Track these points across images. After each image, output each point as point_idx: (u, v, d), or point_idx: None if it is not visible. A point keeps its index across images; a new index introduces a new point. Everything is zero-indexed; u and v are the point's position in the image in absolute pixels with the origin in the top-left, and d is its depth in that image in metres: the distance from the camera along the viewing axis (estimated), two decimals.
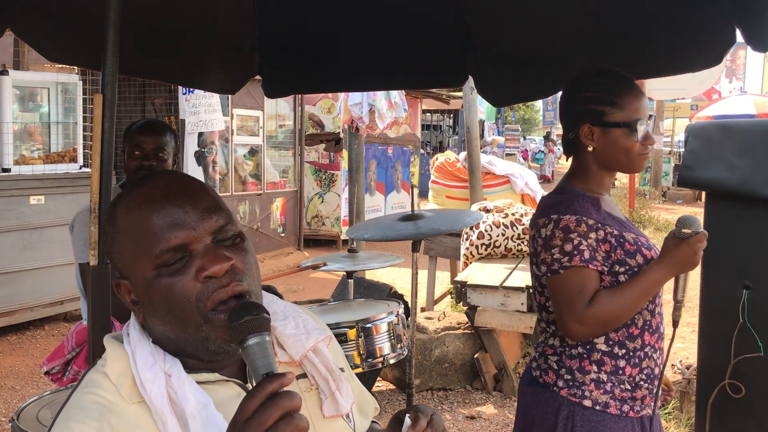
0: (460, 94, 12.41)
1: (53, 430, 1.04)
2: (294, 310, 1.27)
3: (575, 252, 1.88)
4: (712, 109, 18.55)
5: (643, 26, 2.38)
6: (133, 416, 1.05)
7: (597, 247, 1.91)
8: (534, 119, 45.57)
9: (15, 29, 2.55)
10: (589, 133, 1.98)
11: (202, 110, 8.40)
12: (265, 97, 10.09)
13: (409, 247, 3.31)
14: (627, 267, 1.93)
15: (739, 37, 2.07)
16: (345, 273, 3.86)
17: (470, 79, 2.90)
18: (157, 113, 8.99)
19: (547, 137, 29.20)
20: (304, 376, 1.21)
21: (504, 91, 2.92)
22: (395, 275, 8.99)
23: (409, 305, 3.34)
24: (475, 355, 5.19)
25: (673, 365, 4.99)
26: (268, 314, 1.03)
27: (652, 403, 2.02)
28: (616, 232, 1.94)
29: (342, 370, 1.25)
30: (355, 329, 2.96)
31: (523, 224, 5.75)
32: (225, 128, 9.21)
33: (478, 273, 5.30)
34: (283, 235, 10.71)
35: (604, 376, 1.95)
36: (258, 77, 3.25)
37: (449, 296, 7.22)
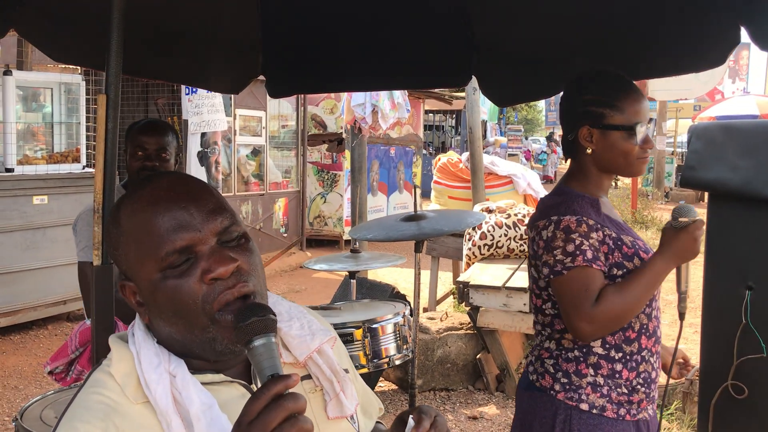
0: (462, 94, 12.40)
1: (58, 429, 1.04)
2: (299, 311, 1.27)
3: (578, 252, 1.87)
4: (715, 110, 18.51)
5: (647, 26, 2.38)
6: (138, 416, 1.05)
7: (599, 247, 1.90)
8: (536, 120, 45.53)
9: (18, 29, 2.55)
10: (588, 135, 1.97)
11: (204, 110, 8.41)
12: (268, 98, 10.07)
13: (411, 247, 3.31)
14: (625, 270, 1.91)
15: (743, 37, 2.07)
16: (347, 273, 3.86)
17: (473, 79, 2.90)
18: (160, 113, 9.00)
19: (549, 138, 29.17)
20: (308, 377, 1.21)
21: (508, 90, 2.92)
22: (398, 275, 8.99)
23: (412, 305, 3.34)
24: (478, 356, 5.19)
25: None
26: (275, 315, 1.03)
27: (649, 407, 2.01)
28: (614, 235, 1.93)
29: (346, 371, 1.25)
30: (361, 329, 2.97)
31: (526, 225, 5.75)
32: (228, 128, 9.22)
33: (481, 273, 5.30)
34: (285, 235, 10.71)
35: (600, 380, 1.94)
36: (261, 77, 3.25)
37: (452, 297, 7.21)
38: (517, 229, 5.78)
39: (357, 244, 3.86)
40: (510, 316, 4.91)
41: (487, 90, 2.92)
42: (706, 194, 3.27)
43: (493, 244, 5.78)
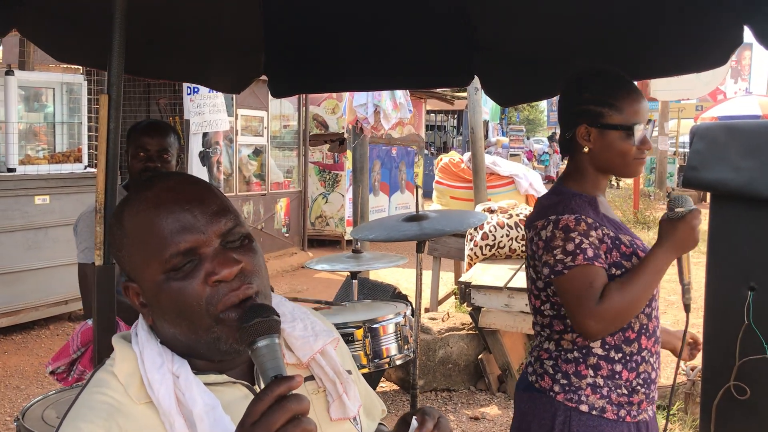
0: (464, 94, 12.40)
1: (62, 429, 1.04)
2: (302, 312, 1.26)
3: (578, 251, 1.85)
4: (717, 110, 18.49)
5: (650, 26, 2.38)
6: (141, 417, 1.05)
7: (599, 245, 1.89)
8: (538, 120, 45.50)
9: (20, 29, 2.56)
10: (586, 133, 1.96)
11: (206, 110, 8.41)
12: (270, 98, 10.07)
13: (413, 247, 3.31)
14: (623, 270, 1.90)
15: (746, 37, 2.07)
16: (349, 273, 3.86)
17: (475, 79, 2.90)
18: (162, 113, 9.00)
19: (552, 138, 29.15)
20: (311, 378, 1.20)
21: (510, 90, 2.92)
22: (399, 276, 8.98)
23: (413, 306, 3.34)
24: (479, 356, 5.18)
25: (677, 366, 4.95)
26: (278, 316, 1.03)
27: (649, 408, 2.00)
28: (612, 234, 1.92)
29: (349, 372, 1.25)
30: (362, 329, 2.97)
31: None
32: (229, 128, 9.22)
33: (483, 274, 5.30)
34: (287, 235, 10.72)
35: (600, 381, 1.92)
36: (262, 77, 3.25)
37: (453, 297, 7.21)
38: (519, 229, 5.79)
39: (359, 244, 3.86)
40: (512, 316, 4.90)
41: (490, 90, 2.92)
42: (708, 195, 3.26)
43: (494, 244, 5.78)
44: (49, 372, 2.79)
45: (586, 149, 1.97)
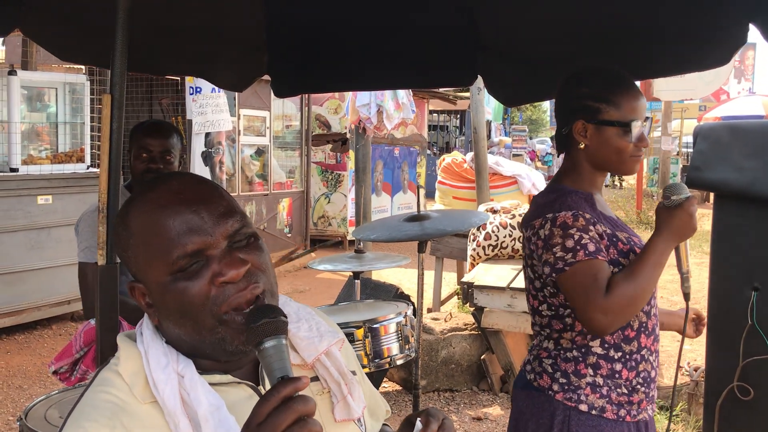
0: (467, 94, 12.40)
1: (66, 427, 1.04)
2: (307, 312, 1.26)
3: (578, 247, 1.83)
4: (721, 110, 18.48)
5: (654, 25, 2.37)
6: (145, 416, 1.04)
7: (599, 239, 1.87)
8: (541, 120, 45.47)
9: (22, 28, 2.56)
10: (583, 129, 1.94)
11: (209, 110, 8.41)
12: (272, 98, 10.07)
13: (415, 247, 3.30)
14: (621, 267, 1.88)
15: (749, 37, 2.06)
16: (352, 273, 3.86)
17: (478, 78, 2.89)
18: (164, 114, 9.01)
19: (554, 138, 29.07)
20: (316, 379, 1.20)
21: (514, 90, 2.92)
22: (402, 276, 8.98)
23: (416, 306, 3.33)
24: (482, 357, 5.18)
25: (680, 367, 4.96)
26: (285, 317, 1.02)
27: (649, 407, 1.99)
28: (609, 231, 1.90)
29: (354, 373, 1.25)
30: (362, 329, 2.97)
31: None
32: (232, 128, 9.22)
33: (485, 274, 5.29)
34: (289, 235, 10.72)
35: (600, 380, 1.91)
36: (264, 78, 3.25)
37: (456, 297, 7.21)
38: (521, 229, 5.77)
39: (361, 244, 3.85)
40: (514, 316, 4.90)
41: (494, 90, 2.91)
42: (712, 195, 3.26)
43: (497, 244, 5.78)
44: (52, 372, 2.80)
45: (582, 145, 1.95)
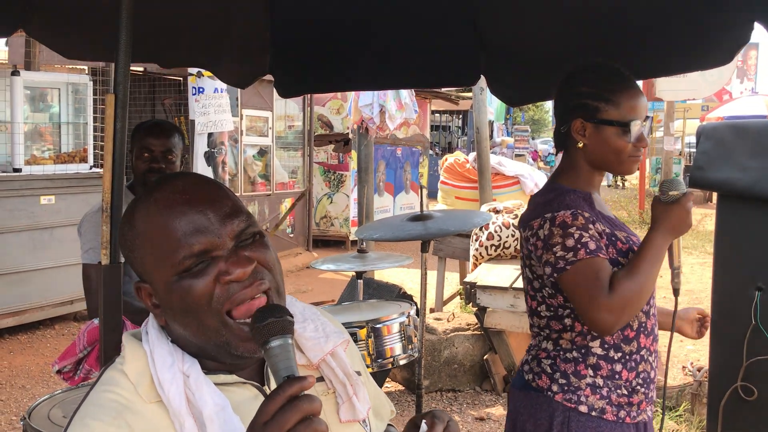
0: (469, 94, 12.40)
1: (71, 427, 1.04)
2: (313, 313, 1.26)
3: (578, 245, 1.81)
4: (723, 110, 18.44)
5: (656, 24, 2.37)
6: (151, 416, 1.04)
7: (599, 237, 1.85)
8: (544, 120, 45.46)
9: (26, 28, 2.56)
10: (581, 128, 1.92)
11: (211, 111, 8.42)
12: (275, 98, 10.07)
13: (418, 247, 3.30)
14: (620, 267, 1.86)
15: (752, 36, 2.06)
16: (354, 273, 3.86)
17: (481, 78, 2.89)
18: (167, 114, 9.01)
19: None
20: (321, 379, 1.20)
21: (516, 90, 2.91)
22: (404, 276, 8.98)
23: (419, 306, 3.33)
24: (485, 357, 5.18)
25: (684, 367, 4.96)
26: (292, 317, 1.02)
27: (648, 408, 1.97)
28: (608, 231, 1.89)
29: (359, 373, 1.24)
30: (365, 329, 2.96)
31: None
32: (234, 129, 9.23)
33: (488, 274, 5.29)
34: (292, 235, 10.73)
35: (600, 381, 1.89)
36: (267, 78, 3.25)
37: (458, 297, 7.21)
38: None
39: (363, 244, 3.85)
40: (517, 316, 4.89)
41: (497, 90, 2.91)
42: (715, 195, 3.25)
43: (500, 244, 5.77)
44: (56, 371, 2.80)
45: (580, 144, 1.93)
